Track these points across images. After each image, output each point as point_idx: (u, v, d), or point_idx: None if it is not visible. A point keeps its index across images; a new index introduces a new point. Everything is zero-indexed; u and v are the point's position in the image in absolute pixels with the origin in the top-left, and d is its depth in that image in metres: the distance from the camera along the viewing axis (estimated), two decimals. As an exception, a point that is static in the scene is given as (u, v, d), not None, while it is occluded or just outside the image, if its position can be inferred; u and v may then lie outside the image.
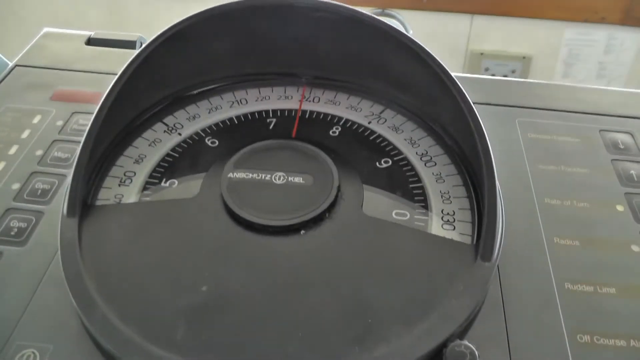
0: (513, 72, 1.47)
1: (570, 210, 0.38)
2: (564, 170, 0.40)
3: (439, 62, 0.34)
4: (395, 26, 0.35)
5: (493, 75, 1.47)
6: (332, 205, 0.33)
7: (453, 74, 0.46)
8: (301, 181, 0.34)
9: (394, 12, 1.45)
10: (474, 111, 0.33)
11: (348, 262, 0.31)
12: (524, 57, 1.46)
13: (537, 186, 0.39)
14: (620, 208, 0.38)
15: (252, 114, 0.40)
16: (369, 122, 0.39)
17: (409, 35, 0.35)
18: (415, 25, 1.44)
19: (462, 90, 0.34)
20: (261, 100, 0.41)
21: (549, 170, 0.40)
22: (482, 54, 1.45)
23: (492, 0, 1.39)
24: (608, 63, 1.47)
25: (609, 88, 0.49)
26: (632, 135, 0.43)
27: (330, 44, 0.39)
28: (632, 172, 0.41)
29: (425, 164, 0.36)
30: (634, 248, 0.36)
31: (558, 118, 0.44)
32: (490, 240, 0.30)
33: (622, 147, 0.43)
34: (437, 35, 1.44)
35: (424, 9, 1.41)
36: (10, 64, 0.47)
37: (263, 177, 0.34)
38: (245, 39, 0.40)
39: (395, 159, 0.37)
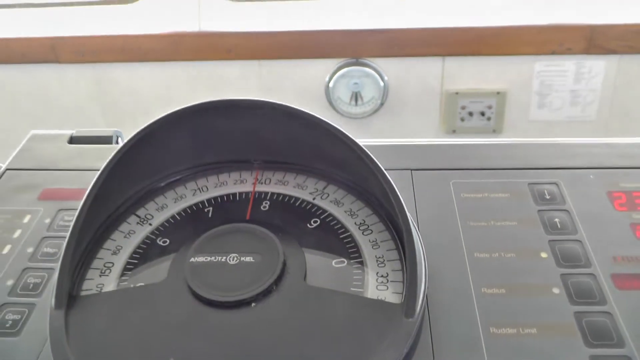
0: (489, 108, 1.53)
1: (498, 261, 0.42)
2: (493, 224, 0.45)
3: (362, 148, 0.40)
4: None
5: (470, 113, 1.53)
6: (279, 279, 0.38)
7: (385, 141, 0.52)
8: (251, 260, 0.39)
9: (367, 60, 1.53)
10: (395, 191, 0.38)
11: (292, 329, 0.36)
12: (498, 93, 1.52)
13: (468, 242, 0.44)
14: (544, 255, 0.43)
15: (209, 200, 0.46)
16: (314, 198, 0.45)
17: (335, 125, 0.40)
18: (390, 71, 1.52)
19: (383, 172, 0.39)
20: (220, 186, 0.47)
21: (479, 226, 0.45)
22: (457, 93, 1.51)
23: (461, 42, 1.46)
24: (580, 90, 1.53)
25: (537, 140, 0.53)
26: (557, 185, 0.48)
27: (275, 133, 0.45)
28: (556, 220, 0.45)
29: (362, 233, 0.42)
30: (555, 290, 0.40)
31: (489, 176, 0.49)
32: (412, 300, 0.35)
33: (548, 197, 0.47)
34: (411, 79, 1.51)
35: (396, 55, 1.48)
36: (2, 167, 0.53)
37: (219, 259, 0.39)
38: (203, 134, 0.45)
39: (336, 231, 0.42)
